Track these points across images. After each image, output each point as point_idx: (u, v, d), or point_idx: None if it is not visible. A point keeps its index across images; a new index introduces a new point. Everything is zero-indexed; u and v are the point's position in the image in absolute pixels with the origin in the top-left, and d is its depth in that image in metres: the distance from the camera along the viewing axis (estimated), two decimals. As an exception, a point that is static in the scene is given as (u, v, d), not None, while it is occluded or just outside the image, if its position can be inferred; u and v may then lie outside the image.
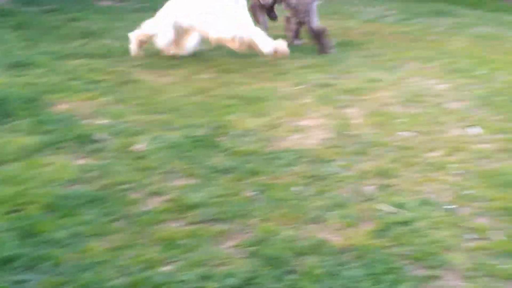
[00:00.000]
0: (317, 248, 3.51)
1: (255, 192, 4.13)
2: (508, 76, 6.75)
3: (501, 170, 4.50)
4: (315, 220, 3.82)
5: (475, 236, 3.67)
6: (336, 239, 3.62)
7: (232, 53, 7.39)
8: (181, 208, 3.90)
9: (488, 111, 5.71)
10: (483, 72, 6.89)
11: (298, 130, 5.20)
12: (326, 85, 6.26)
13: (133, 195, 4.06)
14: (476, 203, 4.05)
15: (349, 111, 5.64)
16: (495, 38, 8.73)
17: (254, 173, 4.38)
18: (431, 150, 4.85)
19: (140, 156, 4.59)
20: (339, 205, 3.98)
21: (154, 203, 3.98)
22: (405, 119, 5.46)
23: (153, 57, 7.27)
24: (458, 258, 3.43)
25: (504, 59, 7.48)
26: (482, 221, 3.84)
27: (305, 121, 5.39)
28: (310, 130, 5.20)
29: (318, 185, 4.25)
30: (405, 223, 3.78)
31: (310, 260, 3.39)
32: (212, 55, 7.40)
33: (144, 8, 9.99)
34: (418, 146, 4.92)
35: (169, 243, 3.53)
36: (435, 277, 3.29)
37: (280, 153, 4.71)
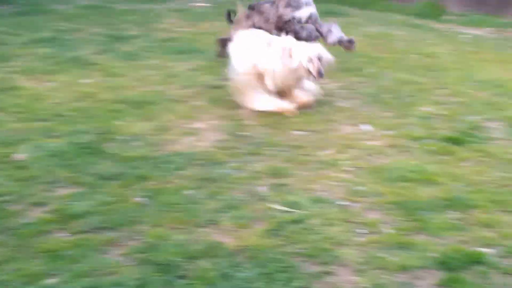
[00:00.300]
0: (210, 251, 3.41)
1: (144, 198, 3.98)
2: (396, 74, 6.91)
3: (390, 165, 4.56)
4: (208, 223, 3.72)
5: (366, 230, 3.69)
6: (229, 241, 3.53)
7: (117, 56, 7.19)
8: (66, 218, 3.70)
9: (376, 109, 5.80)
10: (372, 70, 7.02)
11: (190, 133, 5.09)
12: (218, 87, 6.18)
13: (13, 207, 3.82)
14: (367, 199, 4.08)
15: (242, 112, 5.57)
16: (384, 37, 8.94)
17: (143, 178, 4.23)
18: (323, 148, 4.87)
19: (21, 166, 4.34)
20: (232, 207, 3.90)
21: (36, 214, 3.76)
22: (298, 119, 5.46)
23: (34, 61, 6.95)
24: (349, 253, 3.43)
25: (392, 57, 7.66)
26: (373, 216, 3.87)
27: (197, 124, 5.28)
28: (202, 133, 5.10)
29: (210, 187, 4.15)
30: (298, 221, 3.75)
31: (203, 264, 3.29)
32: (97, 59, 7.14)
33: (24, 12, 9.59)
34: (311, 145, 4.92)
35: (53, 255, 3.33)
36: (328, 273, 3.27)
37: (170, 156, 4.58)
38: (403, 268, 3.31)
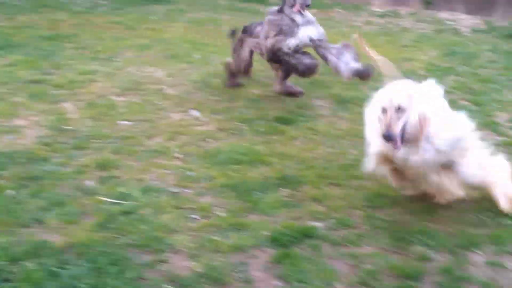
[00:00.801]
0: (35, 251, 3.23)
1: (-40, 202, 3.69)
2: (222, 59, 6.93)
3: (221, 149, 4.59)
4: (32, 223, 3.52)
5: (199, 215, 3.67)
6: (56, 239, 3.36)
7: None
8: None
9: (204, 94, 5.79)
10: (198, 56, 7.00)
11: (10, 131, 4.78)
12: (38, 81, 5.87)
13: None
14: (199, 184, 4.06)
15: (65, 105, 5.34)
16: (210, 22, 8.93)
17: (-41, 181, 3.93)
18: (152, 137, 4.78)
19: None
20: (58, 204, 3.73)
21: None
22: (124, 109, 5.32)
23: None
24: (182, 239, 3.40)
25: (217, 42, 7.68)
26: (205, 200, 3.86)
27: (17, 121, 4.98)
28: (23, 130, 4.81)
29: (34, 185, 3.93)
30: (129, 212, 3.66)
31: (28, 265, 3.12)
32: None
33: None
34: (139, 134, 4.82)
35: None
36: (161, 261, 3.22)
37: (-12, 157, 4.29)
38: (237, 249, 3.33)
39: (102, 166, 4.25)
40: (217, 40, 7.74)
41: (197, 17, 9.28)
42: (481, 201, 3.90)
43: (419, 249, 3.43)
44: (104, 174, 4.15)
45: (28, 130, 4.81)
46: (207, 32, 8.34)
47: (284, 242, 3.42)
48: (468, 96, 5.92)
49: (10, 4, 9.53)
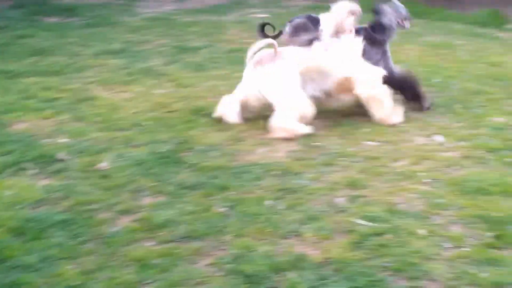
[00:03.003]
0: (297, 263, 3.45)
1: (226, 208, 4.04)
2: (463, 84, 6.84)
3: (468, 177, 4.51)
4: (291, 234, 3.76)
5: (452, 244, 3.66)
6: (314, 252, 3.56)
7: (186, 67, 7.32)
8: (152, 227, 3.79)
9: (449, 119, 5.75)
10: (438, 80, 6.95)
11: (264, 143, 5.14)
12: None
13: (101, 215, 3.92)
14: (448, 211, 4.05)
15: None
16: (446, 46, 8.82)
17: (223, 188, 4.30)
18: (398, 159, 4.86)
19: (105, 175, 4.46)
20: (313, 218, 3.93)
21: (124, 223, 3.85)
22: (368, 129, 5.47)
23: (107, 72, 7.12)
24: (438, 267, 3.41)
25: (457, 67, 7.57)
26: (456, 229, 3.84)
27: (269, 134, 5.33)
28: (275, 143, 5.14)
29: (289, 198, 4.19)
30: (380, 234, 3.75)
31: (291, 276, 3.33)
32: (167, 69, 7.28)
33: (93, 24, 9.83)
34: (385, 156, 4.92)
35: (143, 264, 3.41)
36: (418, 288, 3.27)
37: (247, 167, 4.64)
38: (496, 285, 3.28)
39: (351, 184, 4.41)
40: (455, 65, 7.65)
41: (433, 40, 9.21)
42: None
43: None
44: (352, 192, 4.30)
45: (280, 144, 5.13)
46: (444, 56, 8.26)
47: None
48: None
49: (255, 23, 10.15)
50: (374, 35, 5.97)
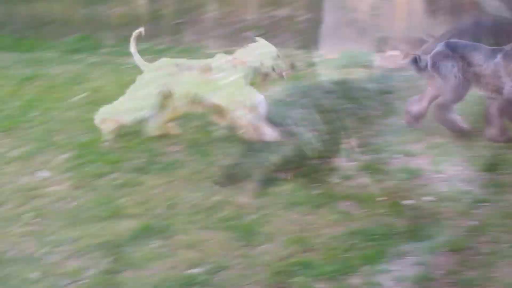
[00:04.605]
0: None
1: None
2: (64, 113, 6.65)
3: (79, 208, 4.36)
4: None
5: (69, 280, 3.44)
6: None
7: None
8: None
9: (53, 152, 5.50)
10: (36, 114, 6.65)
11: None
12: None
13: None
14: (65, 247, 3.82)
15: None
16: (40, 77, 8.45)
17: None
18: (1, 205, 4.46)
19: None
20: None
21: None
22: None
23: None
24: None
25: (55, 97, 7.33)
26: (73, 263, 3.63)
27: None
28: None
29: None
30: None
31: None
32: None
33: None
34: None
35: None
36: None
37: None
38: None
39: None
40: (54, 95, 7.43)
41: (26, 73, 8.72)
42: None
43: (300, 280, 3.45)
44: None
45: None
46: (41, 87, 7.92)
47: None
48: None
49: None
50: None
